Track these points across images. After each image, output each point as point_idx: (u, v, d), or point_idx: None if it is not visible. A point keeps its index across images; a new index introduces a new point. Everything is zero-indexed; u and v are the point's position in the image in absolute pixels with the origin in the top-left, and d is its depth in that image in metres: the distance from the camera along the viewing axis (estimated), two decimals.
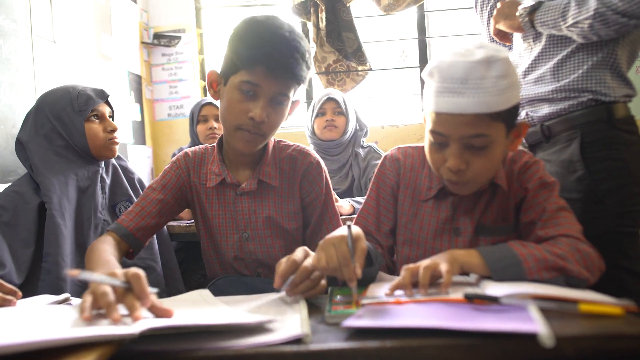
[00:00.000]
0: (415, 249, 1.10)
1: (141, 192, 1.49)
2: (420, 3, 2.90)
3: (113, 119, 1.46)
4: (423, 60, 3.05)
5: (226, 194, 1.17)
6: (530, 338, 0.62)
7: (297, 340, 0.67)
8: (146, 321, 0.70)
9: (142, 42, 3.03)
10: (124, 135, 2.74)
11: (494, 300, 0.75)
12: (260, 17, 1.08)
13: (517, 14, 1.38)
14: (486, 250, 0.91)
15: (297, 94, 1.15)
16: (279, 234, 1.17)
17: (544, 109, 1.36)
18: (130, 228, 1.11)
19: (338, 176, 2.20)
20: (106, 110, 1.43)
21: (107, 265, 0.95)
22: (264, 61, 1.02)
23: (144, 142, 3.01)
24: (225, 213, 1.17)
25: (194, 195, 1.20)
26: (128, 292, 0.73)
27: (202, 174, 1.19)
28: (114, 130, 1.41)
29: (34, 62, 1.99)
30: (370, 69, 2.94)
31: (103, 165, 1.43)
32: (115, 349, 0.66)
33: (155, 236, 1.46)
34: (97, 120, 1.39)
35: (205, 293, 0.96)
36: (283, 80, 1.05)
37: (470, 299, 0.76)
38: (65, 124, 1.35)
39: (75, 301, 0.96)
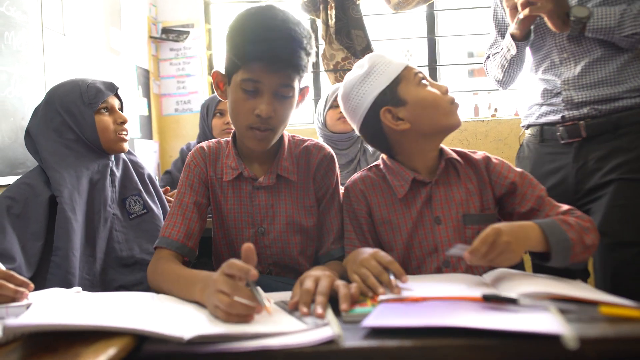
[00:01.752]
0: (400, 241, 1.11)
1: (151, 188, 1.49)
2: (430, 2, 2.88)
3: (122, 112, 1.46)
4: (432, 58, 3.04)
5: (242, 188, 1.16)
6: (551, 340, 0.62)
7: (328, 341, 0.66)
8: (198, 327, 0.69)
9: (151, 37, 3.02)
10: (131, 129, 2.72)
11: (512, 301, 0.75)
12: (252, 9, 1.06)
13: (571, 17, 1.34)
14: (548, 227, 0.96)
15: (305, 80, 1.13)
16: (295, 230, 1.16)
17: (613, 104, 1.37)
18: (181, 240, 1.10)
19: (346, 171, 2.19)
20: (115, 102, 1.42)
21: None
22: (259, 57, 1.01)
23: (150, 137, 3.01)
24: (241, 207, 1.16)
25: (209, 189, 1.19)
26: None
27: (218, 168, 1.18)
28: (124, 122, 1.41)
29: (44, 54, 1.99)
30: None
31: (113, 158, 1.42)
32: (133, 344, 0.66)
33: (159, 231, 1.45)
34: (107, 113, 1.39)
35: None
36: (283, 72, 1.04)
37: (488, 300, 0.76)
38: (76, 117, 1.34)
39: (86, 294, 0.95)
